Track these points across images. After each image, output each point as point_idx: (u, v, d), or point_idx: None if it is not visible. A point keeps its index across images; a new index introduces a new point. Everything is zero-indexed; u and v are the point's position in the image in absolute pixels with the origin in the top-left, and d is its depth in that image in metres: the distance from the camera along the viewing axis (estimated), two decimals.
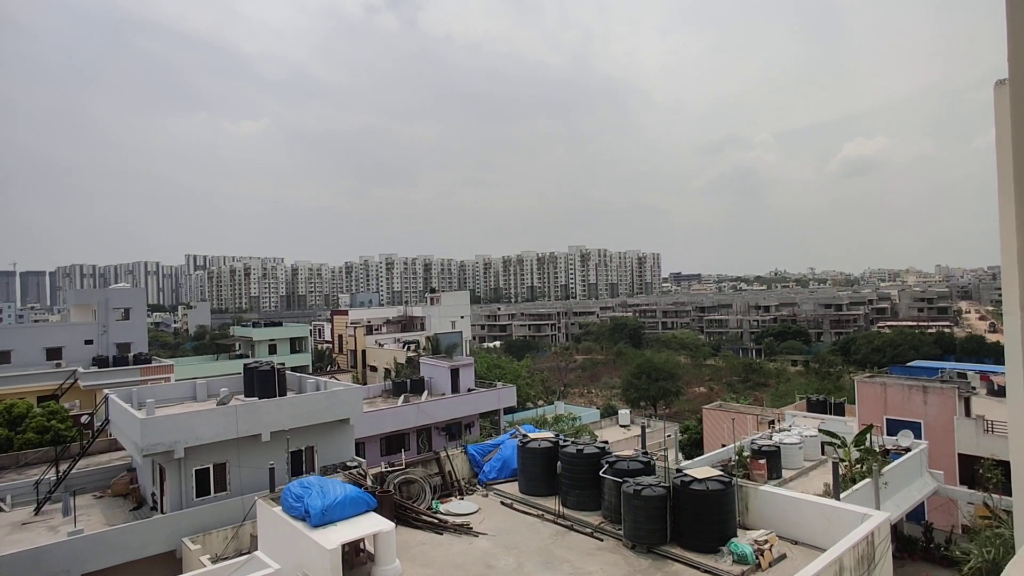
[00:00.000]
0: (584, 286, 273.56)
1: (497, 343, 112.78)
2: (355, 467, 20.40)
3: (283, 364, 28.26)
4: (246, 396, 25.30)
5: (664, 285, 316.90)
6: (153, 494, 22.18)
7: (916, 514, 25.47)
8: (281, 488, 14.37)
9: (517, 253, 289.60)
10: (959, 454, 28.63)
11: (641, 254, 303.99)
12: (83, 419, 30.41)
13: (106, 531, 19.16)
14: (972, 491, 25.39)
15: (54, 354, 42.25)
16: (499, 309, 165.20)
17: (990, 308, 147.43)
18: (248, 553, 14.51)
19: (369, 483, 16.66)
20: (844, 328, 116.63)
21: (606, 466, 15.19)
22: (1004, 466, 22.71)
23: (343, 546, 12.41)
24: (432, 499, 17.08)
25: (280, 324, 68.95)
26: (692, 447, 38.53)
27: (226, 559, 15.78)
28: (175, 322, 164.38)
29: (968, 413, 29.61)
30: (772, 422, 33.11)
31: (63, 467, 23.62)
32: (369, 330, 64.13)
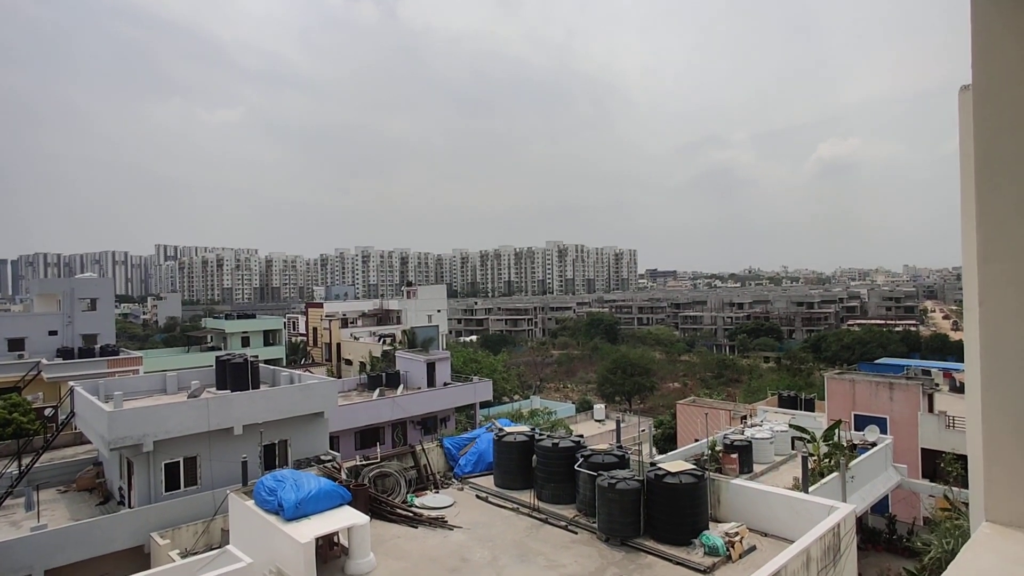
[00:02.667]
0: (561, 281, 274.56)
1: (474, 337, 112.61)
2: (329, 461, 20.21)
3: (256, 357, 27.82)
4: (218, 389, 24.88)
5: (640, 281, 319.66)
6: (120, 488, 21.70)
7: (880, 506, 26.16)
8: (254, 482, 14.15)
9: (495, 248, 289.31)
10: (922, 448, 29.46)
11: (618, 250, 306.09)
12: (47, 412, 29.59)
13: (70, 526, 18.71)
14: (933, 484, 26.15)
15: (16, 345, 41.00)
16: (476, 303, 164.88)
17: (953, 307, 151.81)
18: (219, 547, 14.28)
19: (344, 477, 16.51)
20: (815, 326, 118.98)
21: (581, 460, 15.28)
22: (964, 460, 23.43)
23: (317, 540, 12.28)
24: (407, 493, 17.00)
25: (253, 316, 67.93)
26: (666, 441, 38.98)
27: (196, 554, 15.52)
28: (144, 313, 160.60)
29: (931, 409, 30.47)
30: (744, 417, 33.65)
31: (26, 461, 22.96)
32: (344, 323, 63.49)
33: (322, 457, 22.59)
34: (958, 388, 34.40)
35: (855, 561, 12.74)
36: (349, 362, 56.32)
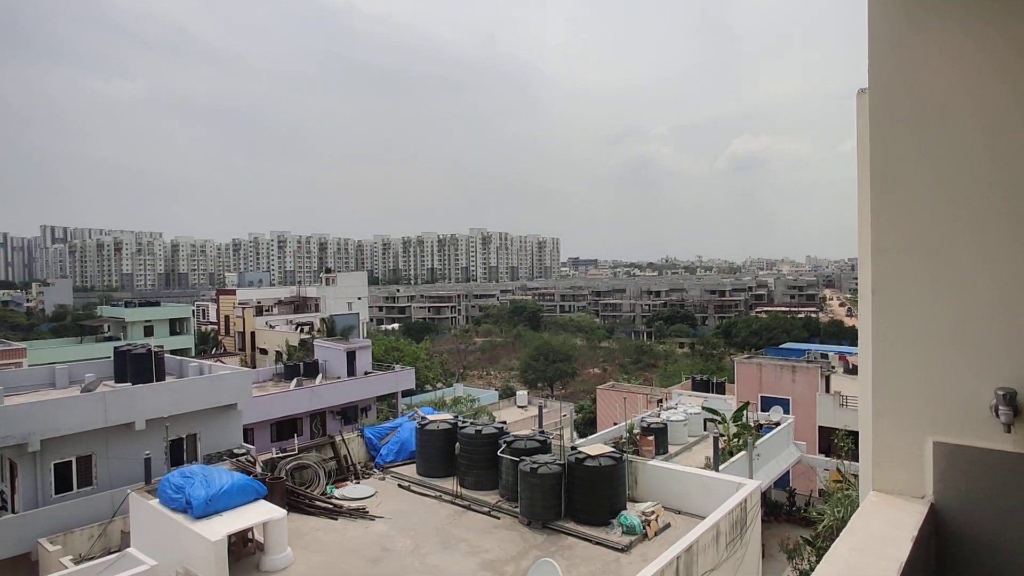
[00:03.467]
0: (485, 269, 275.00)
1: (396, 325, 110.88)
2: (243, 454, 19.34)
3: (161, 347, 26.13)
4: (117, 382, 23.21)
5: (563, 269, 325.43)
6: (2, 492, 19.85)
7: (783, 481, 28.11)
8: (159, 479, 13.32)
9: (417, 234, 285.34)
10: (819, 426, 31.86)
11: (541, 239, 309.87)
12: None
13: None
14: (828, 459, 28.35)
15: None
16: (398, 291, 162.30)
17: (848, 295, 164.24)
18: (119, 551, 13.37)
19: (259, 470, 15.85)
20: (727, 313, 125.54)
21: (504, 446, 15.42)
22: (855, 436, 25.52)
23: (229, 537, 11.74)
24: (327, 484, 16.56)
25: (158, 304, 63.78)
26: (587, 426, 40.09)
27: (92, 559, 14.47)
28: (28, 300, 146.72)
29: (828, 390, 32.97)
30: (660, 401, 35.09)
31: None
32: (259, 311, 60.73)
33: (235, 451, 21.59)
34: (851, 370, 37.40)
35: (759, 533, 13.62)
36: (264, 352, 54.02)
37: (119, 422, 19.85)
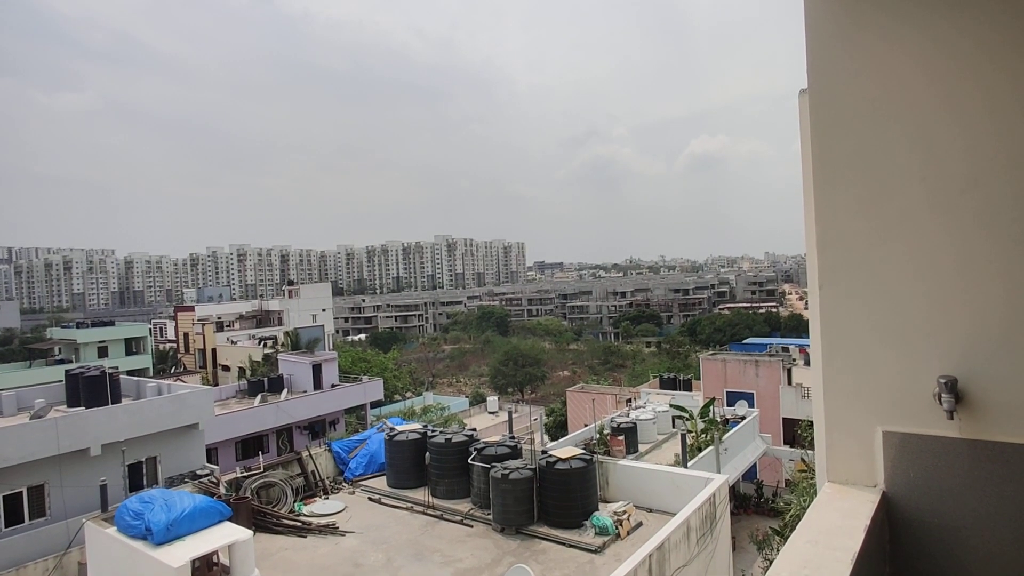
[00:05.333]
0: (451, 276, 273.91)
1: (362, 336, 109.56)
2: (206, 475, 18.80)
3: (116, 368, 25.20)
4: (69, 407, 22.30)
5: (529, 273, 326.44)
6: None
7: (750, 474, 28.67)
8: (116, 506, 12.82)
9: (382, 243, 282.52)
10: (783, 418, 32.64)
11: (507, 243, 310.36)
12: None
13: None
14: (793, 449, 29.05)
15: None
16: (363, 300, 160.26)
17: (806, 289, 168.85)
18: None
19: (223, 491, 15.41)
20: (691, 311, 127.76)
21: (474, 453, 15.33)
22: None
23: (193, 562, 11.36)
24: (294, 501, 16.20)
25: (112, 324, 61.46)
26: (557, 428, 40.20)
27: None
28: None
29: (790, 382, 33.81)
30: (629, 400, 35.44)
31: None
32: (220, 327, 59.24)
33: (198, 472, 20.96)
34: (811, 362, 38.39)
35: (729, 526, 13.84)
36: (227, 368, 52.67)
37: (73, 448, 19.05)
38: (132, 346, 57.03)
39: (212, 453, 28.59)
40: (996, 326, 2.31)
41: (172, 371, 56.17)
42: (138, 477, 20.82)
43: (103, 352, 53.92)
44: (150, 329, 66.15)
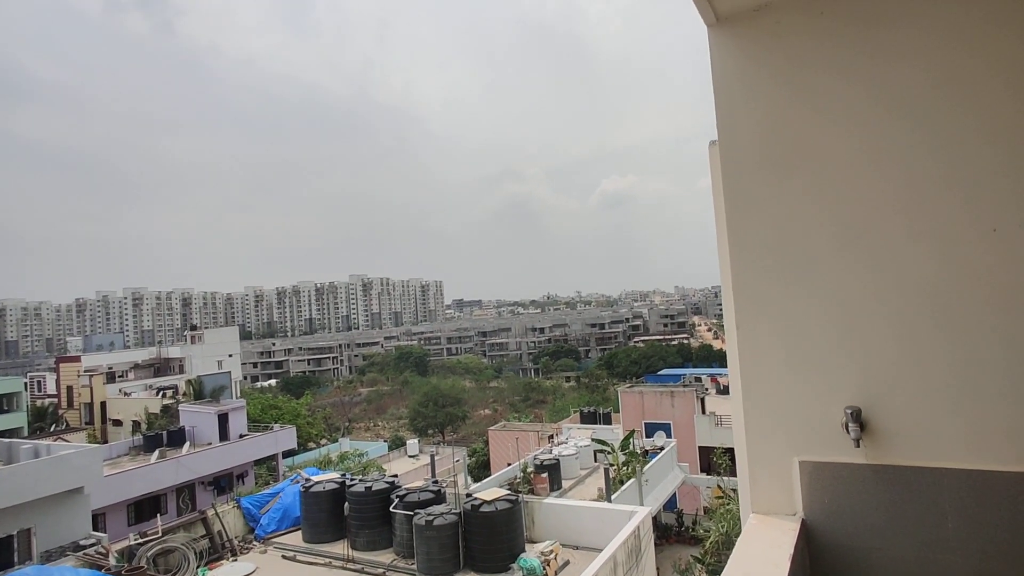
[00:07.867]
0: (367, 316, 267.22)
1: (273, 381, 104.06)
2: (92, 545, 16.95)
3: None
4: None
5: (448, 312, 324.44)
6: None
7: (670, 503, 29.29)
8: None
9: (293, 283, 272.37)
10: (699, 446, 33.75)
11: (424, 282, 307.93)
12: None
13: None
14: (709, 476, 30.01)
15: None
16: (274, 344, 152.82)
17: (714, 321, 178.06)
18: None
19: (112, 562, 13.94)
20: (607, 344, 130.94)
21: (396, 500, 14.78)
22: (731, 452, 27.31)
23: None
24: (198, 567, 14.87)
25: None
26: (480, 469, 39.58)
27: None
28: None
29: (704, 411, 35.16)
30: (551, 436, 35.55)
31: None
32: (111, 377, 54.51)
33: (81, 543, 18.83)
34: (723, 391, 40.27)
35: (654, 558, 14.02)
36: (119, 423, 48.27)
37: None
38: (3, 403, 51.13)
39: (100, 519, 25.88)
40: (891, 358, 2.52)
41: (52, 429, 50.69)
42: (8, 554, 18.44)
43: None
44: (26, 383, 59.65)
